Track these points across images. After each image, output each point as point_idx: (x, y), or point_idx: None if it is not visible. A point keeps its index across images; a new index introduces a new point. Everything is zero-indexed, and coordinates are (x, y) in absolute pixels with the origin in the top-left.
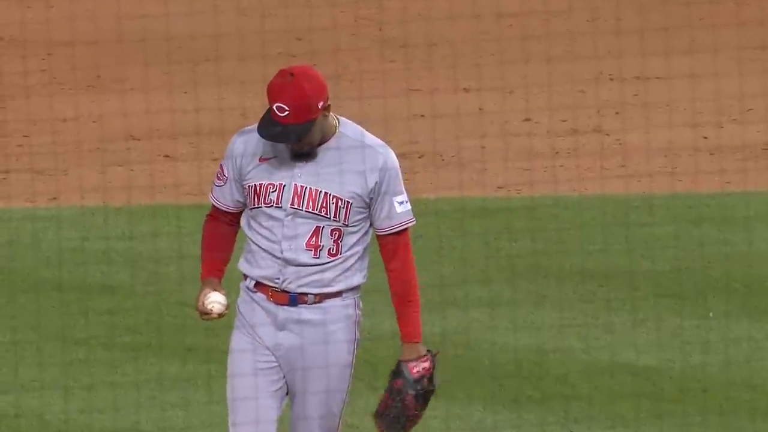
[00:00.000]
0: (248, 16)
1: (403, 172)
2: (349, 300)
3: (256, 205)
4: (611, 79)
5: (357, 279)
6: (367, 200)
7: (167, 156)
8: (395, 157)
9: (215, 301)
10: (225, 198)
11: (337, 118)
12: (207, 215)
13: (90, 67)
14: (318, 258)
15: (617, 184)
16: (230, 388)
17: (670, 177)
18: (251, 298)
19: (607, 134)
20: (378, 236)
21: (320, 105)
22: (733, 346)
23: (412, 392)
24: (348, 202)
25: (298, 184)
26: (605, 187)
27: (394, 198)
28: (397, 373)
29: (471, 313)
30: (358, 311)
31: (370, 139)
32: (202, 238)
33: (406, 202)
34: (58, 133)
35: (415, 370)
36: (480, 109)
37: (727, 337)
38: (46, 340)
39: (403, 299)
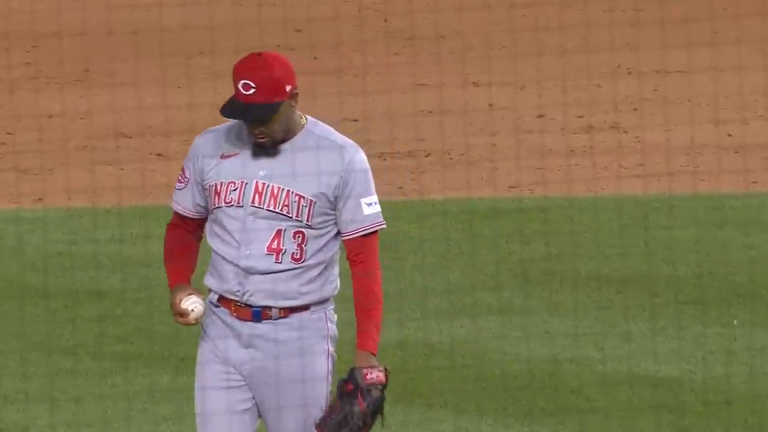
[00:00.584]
0: (245, 6)
1: (409, 171)
2: (318, 314)
3: (216, 205)
4: (629, 73)
5: (327, 291)
6: (332, 200)
7: (160, 154)
8: (365, 157)
9: (195, 302)
10: (186, 202)
11: (305, 117)
12: (168, 224)
13: (78, 61)
14: (280, 263)
15: (636, 184)
16: (199, 403)
17: (692, 177)
18: (215, 313)
19: (625, 131)
20: (344, 241)
21: (288, 89)
22: (758, 356)
23: (363, 400)
24: (311, 200)
25: (260, 182)
26: (623, 188)
27: (361, 199)
28: (348, 379)
29: (481, 321)
30: (330, 324)
31: (340, 138)
32: (164, 249)
33: (376, 203)
34: (43, 130)
35: (368, 377)
36: (490, 104)
37: (753, 347)
38: (31, 349)
39: (365, 309)
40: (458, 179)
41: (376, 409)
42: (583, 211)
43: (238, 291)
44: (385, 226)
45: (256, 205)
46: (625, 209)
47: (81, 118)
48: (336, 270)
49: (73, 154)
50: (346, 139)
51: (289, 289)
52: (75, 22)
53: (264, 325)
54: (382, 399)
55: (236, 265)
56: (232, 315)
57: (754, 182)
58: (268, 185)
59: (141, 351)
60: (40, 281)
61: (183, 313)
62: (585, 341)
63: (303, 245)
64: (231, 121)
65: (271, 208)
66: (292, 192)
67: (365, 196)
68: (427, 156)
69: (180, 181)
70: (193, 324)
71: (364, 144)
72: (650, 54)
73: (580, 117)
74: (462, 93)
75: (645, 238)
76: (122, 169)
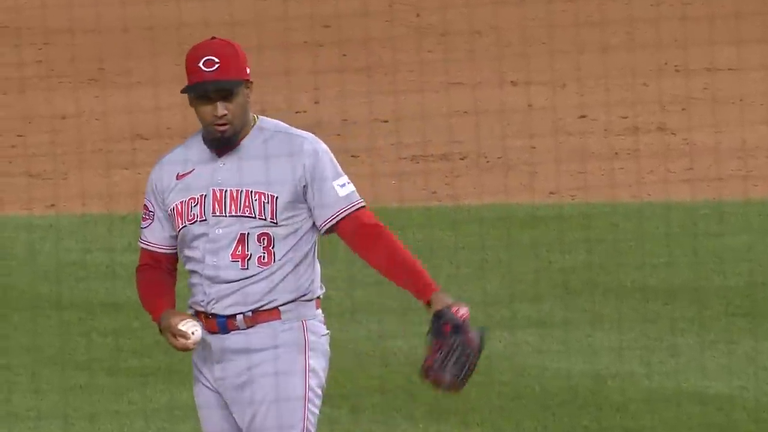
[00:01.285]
0: (268, 0)
1: (443, 175)
2: (292, 323)
3: (181, 225)
4: (677, 71)
5: (300, 291)
6: (300, 190)
7: None
8: (325, 145)
9: (195, 325)
10: (155, 236)
11: (255, 115)
12: (137, 268)
13: (92, 58)
14: (247, 269)
15: (683, 189)
16: (202, 425)
17: (744, 181)
18: None
19: (673, 133)
20: (335, 231)
21: (248, 71)
22: None
23: (469, 333)
24: (273, 196)
25: (216, 189)
26: (670, 193)
27: (333, 182)
28: (441, 321)
29: (519, 334)
30: (310, 336)
31: (294, 129)
32: (139, 294)
33: (349, 183)
34: (56, 132)
35: (459, 313)
36: (529, 105)
37: None
38: (43, 364)
39: (400, 264)
40: (495, 184)
41: (483, 343)
42: (628, 218)
43: (203, 300)
44: (364, 203)
45: (218, 213)
46: (673, 216)
47: (96, 119)
48: (313, 271)
49: (88, 158)
50: (301, 130)
51: (253, 292)
52: (88, 17)
53: (232, 336)
54: (482, 331)
55: (201, 275)
56: (204, 328)
57: None
58: (226, 190)
59: (159, 366)
60: (52, 292)
61: (184, 335)
62: (630, 356)
63: (270, 248)
64: (181, 144)
65: (233, 213)
66: (252, 191)
67: (336, 179)
68: (462, 159)
69: (144, 219)
70: (192, 348)
71: (395, 146)
72: (699, 51)
73: (625, 118)
74: (498, 92)
75: (693, 246)
76: (139, 173)
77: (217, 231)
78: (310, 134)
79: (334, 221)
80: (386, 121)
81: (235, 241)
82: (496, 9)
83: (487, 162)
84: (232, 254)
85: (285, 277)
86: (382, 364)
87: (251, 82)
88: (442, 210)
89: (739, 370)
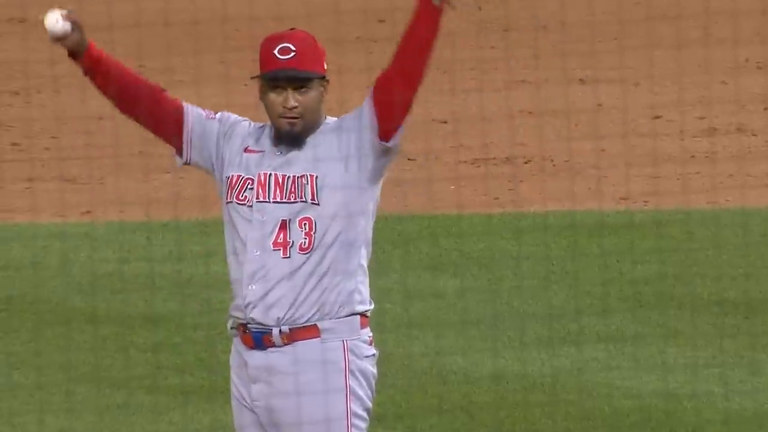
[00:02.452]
0: None
1: (505, 180)
2: (332, 342)
3: (228, 200)
4: (759, 68)
5: (340, 304)
6: (356, 157)
7: None
8: None
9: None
10: (188, 117)
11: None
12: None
13: (131, 55)
14: (289, 257)
15: (764, 194)
16: None
17: None
18: (234, 342)
19: (754, 134)
20: (372, 98)
21: (325, 66)
22: None
23: None
24: (313, 176)
25: (262, 173)
26: (749, 199)
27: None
28: None
29: (587, 350)
30: (351, 357)
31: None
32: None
33: None
34: (92, 133)
35: None
36: (598, 104)
37: None
38: (78, 382)
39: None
40: (561, 189)
41: None
42: (704, 226)
43: (240, 303)
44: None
45: (262, 199)
46: (752, 223)
47: None
48: (359, 281)
49: (126, 161)
50: None
51: (295, 290)
52: (128, 11)
53: (268, 354)
54: None
55: (242, 272)
56: (242, 343)
57: None
58: (271, 174)
59: (202, 384)
60: (87, 305)
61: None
62: (706, 374)
63: (312, 233)
64: (260, 124)
65: (278, 199)
66: (296, 176)
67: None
68: (525, 163)
69: (205, 112)
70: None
71: (454, 149)
72: None
73: (701, 118)
74: (565, 91)
75: None
76: (182, 178)
77: (261, 218)
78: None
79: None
80: (444, 122)
81: (278, 228)
82: (563, 2)
83: (553, 166)
84: (273, 242)
85: (329, 284)
86: (440, 382)
87: (328, 81)
88: (504, 217)
89: None
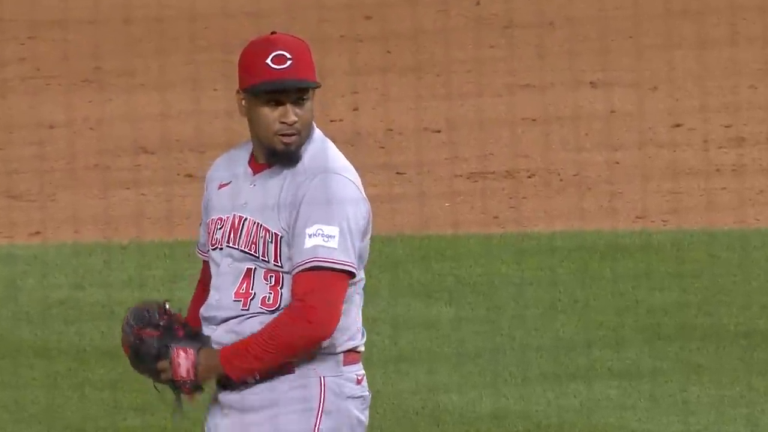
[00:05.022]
0: None
1: (507, 196)
2: (307, 380)
3: (208, 248)
4: None
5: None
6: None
7: (190, 175)
8: (342, 183)
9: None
10: (201, 241)
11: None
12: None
13: (87, 56)
14: (247, 309)
15: None
16: None
17: None
18: None
19: None
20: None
21: (316, 76)
22: None
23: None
24: (276, 234)
25: (237, 215)
26: None
27: (306, 229)
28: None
29: (598, 387)
30: (327, 395)
31: (332, 161)
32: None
33: (329, 237)
34: (43, 144)
35: (178, 360)
36: (612, 111)
37: None
38: (27, 423)
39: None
40: (570, 207)
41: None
42: (731, 249)
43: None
44: (334, 265)
45: (231, 245)
46: None
47: (90, 129)
48: (345, 318)
49: (81, 175)
50: (340, 162)
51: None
52: (83, 6)
53: (240, 392)
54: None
55: (204, 318)
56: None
57: None
58: (245, 219)
59: (165, 426)
60: (37, 337)
61: None
62: (732, 414)
63: (278, 288)
64: (237, 146)
65: (242, 248)
66: (261, 225)
67: (311, 225)
68: (529, 177)
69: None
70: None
71: (449, 161)
72: None
73: (728, 127)
74: (574, 96)
75: None
76: (143, 194)
77: (229, 264)
78: (337, 169)
79: (293, 273)
80: (438, 131)
81: (241, 277)
82: None
83: (560, 180)
84: (235, 293)
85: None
86: (433, 423)
87: (318, 86)
88: (505, 238)
89: None
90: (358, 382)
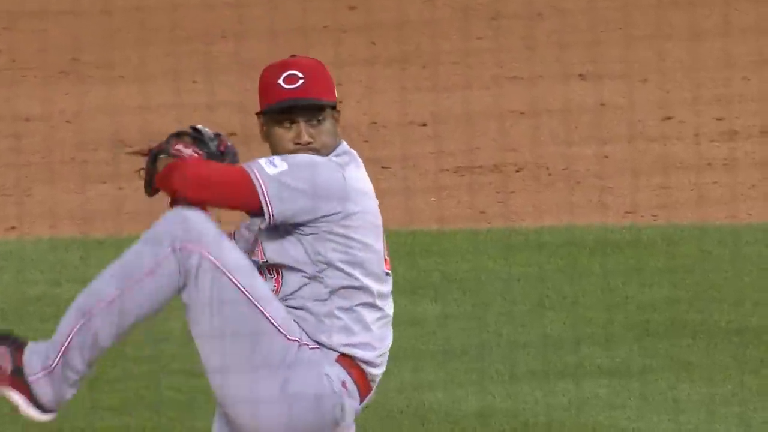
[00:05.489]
0: None
1: (494, 191)
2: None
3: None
4: None
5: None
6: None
7: None
8: (324, 159)
9: None
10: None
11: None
12: None
13: (64, 47)
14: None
15: None
16: None
17: None
18: None
19: None
20: None
21: (336, 94)
22: None
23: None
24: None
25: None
26: None
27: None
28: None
29: (587, 386)
30: (312, 350)
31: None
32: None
33: (273, 164)
34: (19, 137)
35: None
36: (601, 103)
37: None
38: (1, 425)
39: None
40: (558, 202)
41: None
42: (723, 244)
43: None
44: (251, 171)
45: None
46: None
47: (67, 122)
48: (346, 321)
49: (58, 169)
50: (341, 161)
51: None
52: None
53: None
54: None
55: None
56: None
57: None
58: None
59: (144, 426)
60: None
61: None
62: (724, 413)
63: (279, 278)
64: None
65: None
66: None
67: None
68: (517, 171)
69: None
70: None
71: (434, 155)
72: None
73: (720, 119)
74: (564, 89)
75: None
76: (121, 188)
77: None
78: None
79: None
80: (424, 125)
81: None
82: None
83: (549, 175)
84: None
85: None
86: (418, 423)
87: (339, 112)
88: (492, 233)
89: None
90: (343, 384)
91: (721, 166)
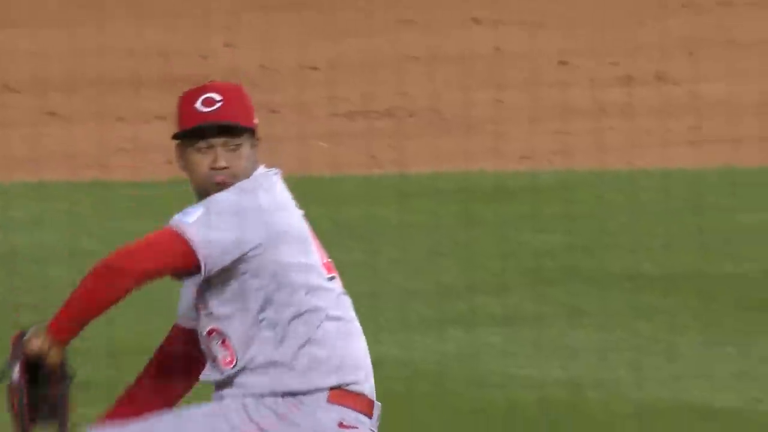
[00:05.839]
0: None
1: (387, 136)
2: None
3: None
4: (683, 6)
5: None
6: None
7: (54, 114)
8: (230, 196)
9: None
10: None
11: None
12: None
13: None
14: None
15: (687, 154)
16: None
17: (762, 144)
18: None
19: (676, 84)
20: None
21: (255, 121)
22: None
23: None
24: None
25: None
26: (671, 159)
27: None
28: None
29: (480, 333)
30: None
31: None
32: None
33: (190, 213)
34: None
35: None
36: (497, 48)
37: None
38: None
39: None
40: (453, 147)
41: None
42: (618, 190)
43: None
44: (179, 230)
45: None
46: (674, 187)
47: None
48: (318, 353)
49: None
50: (254, 185)
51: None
52: None
53: None
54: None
55: None
56: None
57: None
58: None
59: None
60: None
61: None
62: (616, 360)
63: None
64: None
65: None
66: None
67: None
68: (411, 116)
69: None
70: None
71: (327, 100)
72: None
73: (615, 64)
74: (460, 33)
75: (699, 224)
76: (8, 134)
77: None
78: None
79: None
80: (316, 69)
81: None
82: None
83: (443, 120)
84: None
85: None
86: None
87: (258, 140)
88: (385, 179)
89: (753, 378)
90: (340, 425)
91: (617, 112)
